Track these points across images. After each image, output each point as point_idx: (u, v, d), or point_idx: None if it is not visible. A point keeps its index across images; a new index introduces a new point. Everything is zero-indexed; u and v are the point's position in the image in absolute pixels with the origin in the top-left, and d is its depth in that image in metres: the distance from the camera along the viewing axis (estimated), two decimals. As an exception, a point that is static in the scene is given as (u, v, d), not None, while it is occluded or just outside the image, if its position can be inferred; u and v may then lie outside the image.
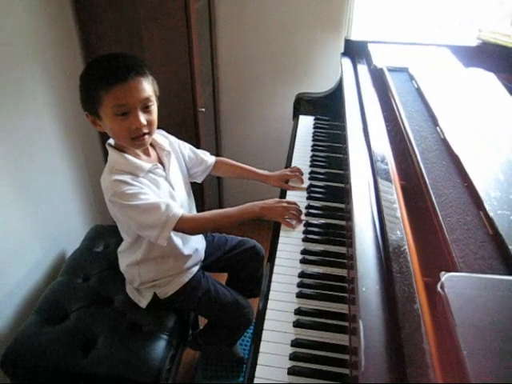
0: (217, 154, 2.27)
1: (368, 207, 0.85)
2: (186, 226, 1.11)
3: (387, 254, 0.69)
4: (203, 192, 2.02)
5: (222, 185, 2.44)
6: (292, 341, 0.83)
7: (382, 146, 1.01)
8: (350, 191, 0.91)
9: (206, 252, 1.40)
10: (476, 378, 0.45)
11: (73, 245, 1.58)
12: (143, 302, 1.28)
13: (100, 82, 1.00)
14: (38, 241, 1.54)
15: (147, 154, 1.17)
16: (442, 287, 0.57)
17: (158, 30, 1.59)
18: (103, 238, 1.58)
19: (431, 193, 0.77)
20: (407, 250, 0.69)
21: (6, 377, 1.21)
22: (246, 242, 1.49)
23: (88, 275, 1.42)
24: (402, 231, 0.73)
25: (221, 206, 2.51)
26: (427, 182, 0.80)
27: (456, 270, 0.62)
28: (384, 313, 0.61)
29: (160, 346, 1.20)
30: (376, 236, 0.77)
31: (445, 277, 0.58)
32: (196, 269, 1.32)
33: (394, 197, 0.83)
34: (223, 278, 1.57)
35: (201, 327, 1.60)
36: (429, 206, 0.76)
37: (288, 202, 1.17)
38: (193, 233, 1.20)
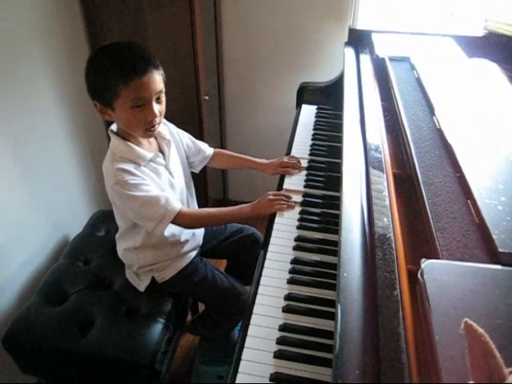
0: (221, 142, 2.28)
1: (358, 194, 0.85)
2: (182, 221, 1.13)
3: (372, 240, 0.70)
4: (207, 184, 2.03)
5: (226, 177, 2.45)
6: (280, 325, 0.85)
7: (377, 135, 1.00)
8: (341, 178, 0.91)
9: (204, 238, 1.42)
10: (445, 363, 0.46)
11: (76, 229, 1.60)
12: (142, 286, 1.31)
13: (118, 74, 0.99)
14: (41, 225, 1.57)
15: (148, 142, 1.19)
16: (421, 274, 0.57)
17: (162, 16, 1.60)
18: (106, 223, 1.60)
19: (420, 181, 0.77)
20: (392, 238, 0.70)
21: (8, 354, 1.25)
22: (246, 230, 1.50)
23: (89, 259, 1.44)
24: (389, 219, 0.74)
25: (225, 198, 2.53)
26: (417, 170, 0.79)
27: (438, 258, 0.62)
28: (364, 298, 0.61)
29: (156, 329, 1.22)
30: (363, 223, 0.77)
31: (425, 264, 0.58)
32: (194, 254, 1.34)
33: (384, 185, 0.83)
34: (223, 265, 1.59)
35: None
36: (418, 194, 0.76)
37: (274, 194, 1.19)
38: (188, 227, 1.22)
